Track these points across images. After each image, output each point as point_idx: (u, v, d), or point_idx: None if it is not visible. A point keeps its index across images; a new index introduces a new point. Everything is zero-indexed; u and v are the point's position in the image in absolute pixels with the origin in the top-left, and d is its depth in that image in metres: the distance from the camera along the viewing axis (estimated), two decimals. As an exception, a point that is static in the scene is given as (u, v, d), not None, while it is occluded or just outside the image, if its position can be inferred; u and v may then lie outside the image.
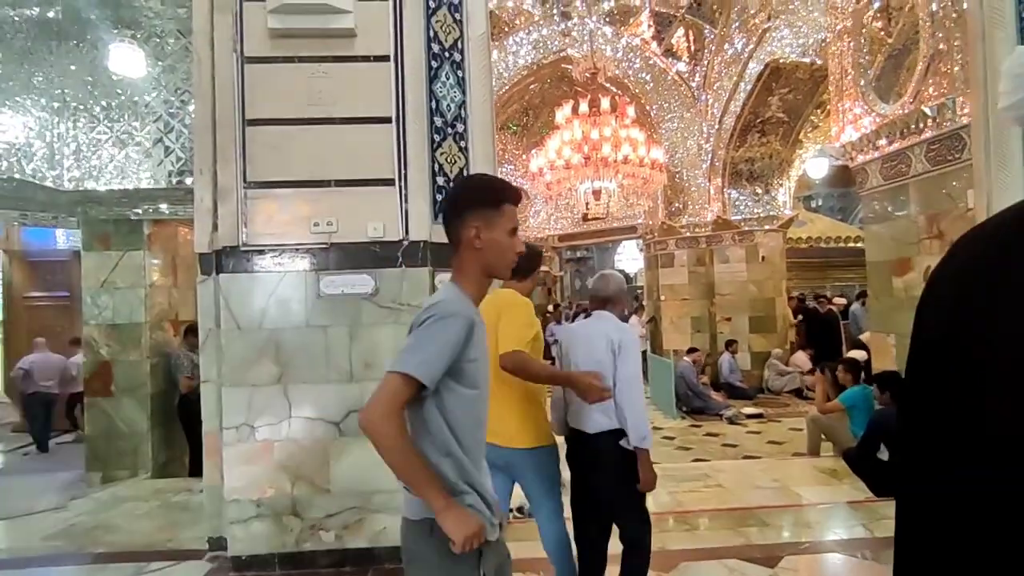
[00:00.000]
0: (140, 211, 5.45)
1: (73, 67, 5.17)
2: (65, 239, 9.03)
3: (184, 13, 5.07)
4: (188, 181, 5.21)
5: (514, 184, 1.64)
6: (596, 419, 2.49)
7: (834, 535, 3.72)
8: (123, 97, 5.18)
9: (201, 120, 3.54)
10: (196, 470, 5.33)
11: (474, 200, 1.49)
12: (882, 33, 5.44)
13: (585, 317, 2.91)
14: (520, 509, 4.18)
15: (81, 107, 5.15)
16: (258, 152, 3.33)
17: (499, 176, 1.79)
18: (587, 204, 8.56)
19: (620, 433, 2.45)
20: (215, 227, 3.46)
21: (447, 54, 3.65)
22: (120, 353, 5.43)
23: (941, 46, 4.54)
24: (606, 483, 2.52)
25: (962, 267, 0.78)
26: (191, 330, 5.58)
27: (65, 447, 7.51)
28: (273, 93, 3.33)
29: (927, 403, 0.77)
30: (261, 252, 3.31)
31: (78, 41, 5.17)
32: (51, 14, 5.02)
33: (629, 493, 2.48)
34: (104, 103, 5.20)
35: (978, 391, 0.68)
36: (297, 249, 3.33)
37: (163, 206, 5.59)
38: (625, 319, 2.96)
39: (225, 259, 3.32)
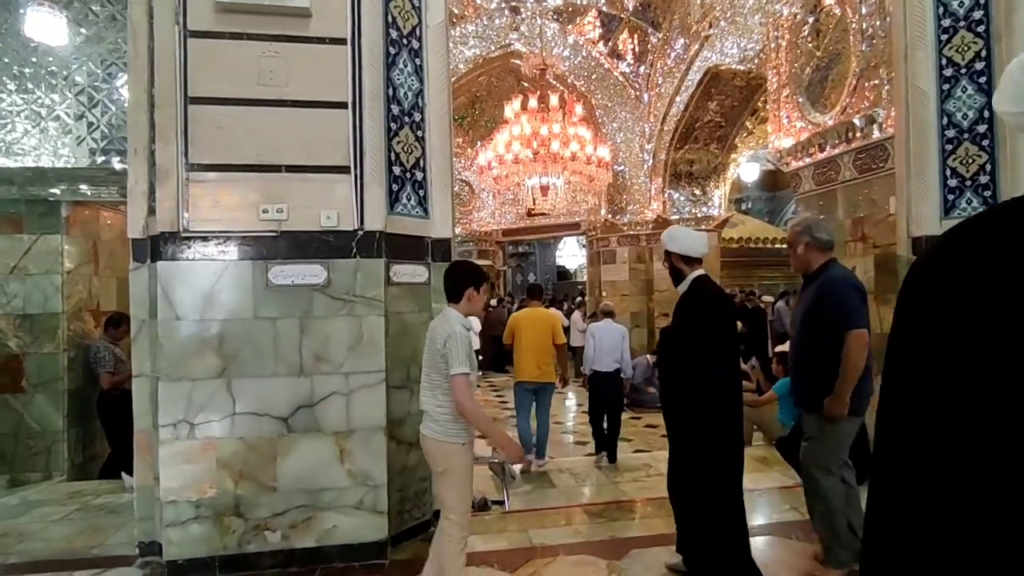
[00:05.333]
0: (57, 192, 5.00)
1: (-21, 30, 4.68)
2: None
3: (112, -21, 4.71)
4: (115, 161, 4.85)
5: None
6: (611, 364, 5.34)
7: (769, 519, 3.94)
8: (40, 67, 4.75)
9: (136, 96, 3.31)
10: (113, 471, 4.98)
11: None
12: (810, 46, 5.77)
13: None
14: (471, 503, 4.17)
15: (-11, 75, 4.68)
16: (202, 132, 3.13)
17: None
18: (534, 199, 8.61)
19: (618, 371, 5.39)
20: (151, 211, 3.24)
21: (405, 41, 3.57)
22: (32, 345, 4.97)
23: (872, 63, 4.87)
24: (613, 391, 5.40)
25: None
26: (112, 321, 5.18)
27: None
28: (220, 70, 3.14)
29: None
30: (204, 239, 3.13)
31: (-15, 1, 4.68)
32: (-46, -31, 4.53)
33: (620, 397, 5.55)
34: (16, 71, 4.75)
35: None
36: (244, 236, 3.16)
37: (84, 187, 5.16)
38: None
39: (164, 245, 3.10)
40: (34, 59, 4.75)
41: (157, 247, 3.14)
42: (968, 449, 0.62)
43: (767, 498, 4.39)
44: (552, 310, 6.17)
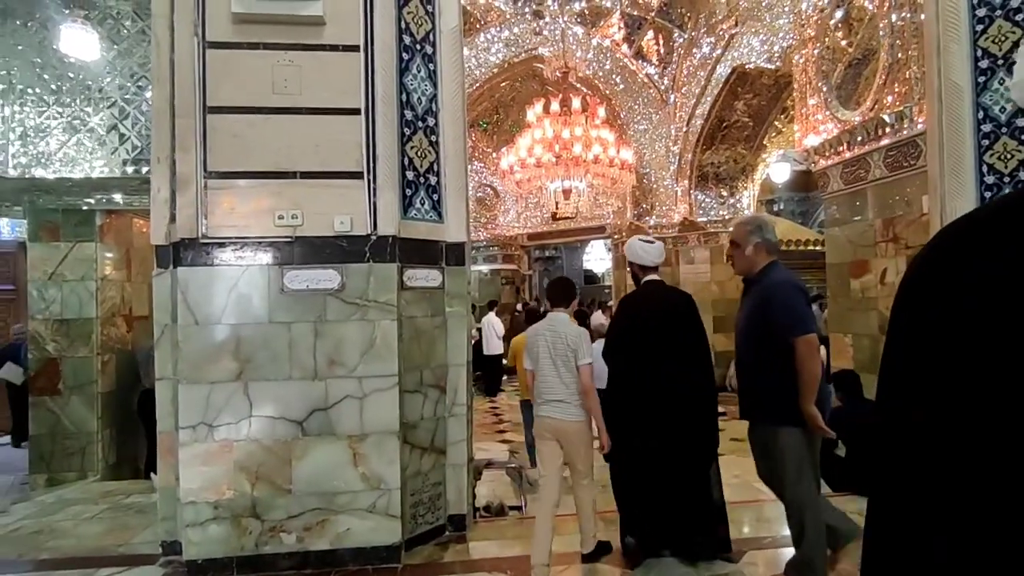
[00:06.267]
0: (92, 201, 5.19)
1: (20, 47, 4.89)
2: (10, 229, 8.57)
3: (142, -6, 4.86)
4: (144, 170, 4.99)
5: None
6: None
7: (794, 530, 3.80)
8: (75, 81, 4.93)
9: (159, 106, 3.40)
10: (155, 468, 5.13)
11: None
12: (844, 43, 5.60)
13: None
14: (487, 508, 4.16)
15: (29, 90, 4.88)
16: (220, 141, 3.21)
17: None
18: (557, 203, 8.57)
19: None
20: (172, 218, 3.33)
21: (419, 46, 3.59)
22: (68, 349, 5.17)
23: (900, 56, 4.70)
24: None
25: None
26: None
27: (4, 449, 7.14)
28: (236, 80, 3.21)
29: None
30: (222, 245, 3.19)
31: (26, 20, 4.89)
32: (-5, -10, 4.74)
33: None
34: (54, 86, 4.94)
35: None
36: (260, 242, 3.22)
37: (117, 196, 5.35)
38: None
39: (183, 252, 3.18)
40: (70, 74, 4.94)
41: (178, 253, 3.22)
42: (982, 441, 0.53)
43: (794, 508, 4.24)
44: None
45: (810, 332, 2.68)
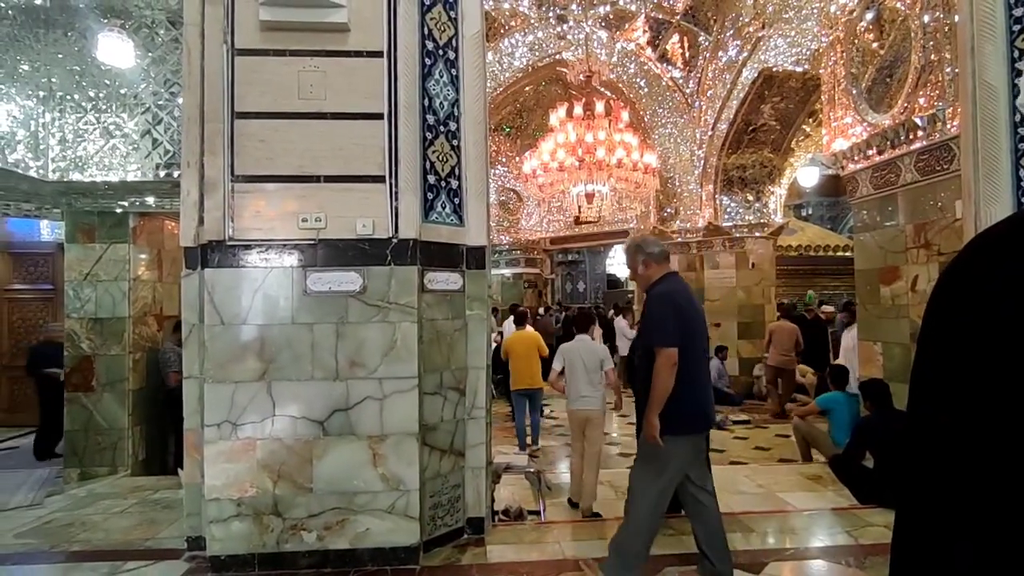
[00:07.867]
0: (126, 204, 5.35)
1: (60, 56, 5.08)
2: (50, 231, 8.88)
3: (175, 4, 5.00)
4: (176, 174, 5.13)
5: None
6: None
7: (818, 541, 3.72)
8: (111, 88, 5.10)
9: (189, 112, 3.49)
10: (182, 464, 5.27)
11: None
12: (874, 45, 5.47)
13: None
14: (506, 512, 4.15)
15: (68, 97, 5.06)
16: (246, 145, 3.28)
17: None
18: (579, 207, 8.54)
19: None
20: (201, 221, 3.41)
21: (441, 52, 3.63)
22: (102, 347, 5.33)
23: (932, 57, 4.58)
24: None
25: None
26: (178, 325, 5.50)
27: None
28: (263, 86, 3.29)
29: None
30: (247, 247, 3.26)
31: (66, 30, 5.07)
32: (38, 1, 4.92)
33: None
34: (92, 93, 5.12)
35: None
36: (284, 245, 3.28)
37: (150, 199, 5.51)
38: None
39: (210, 253, 3.26)
40: (107, 81, 5.11)
41: (205, 255, 3.30)
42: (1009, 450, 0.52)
43: (819, 519, 4.16)
44: (533, 331, 7.14)
45: (669, 346, 2.74)
